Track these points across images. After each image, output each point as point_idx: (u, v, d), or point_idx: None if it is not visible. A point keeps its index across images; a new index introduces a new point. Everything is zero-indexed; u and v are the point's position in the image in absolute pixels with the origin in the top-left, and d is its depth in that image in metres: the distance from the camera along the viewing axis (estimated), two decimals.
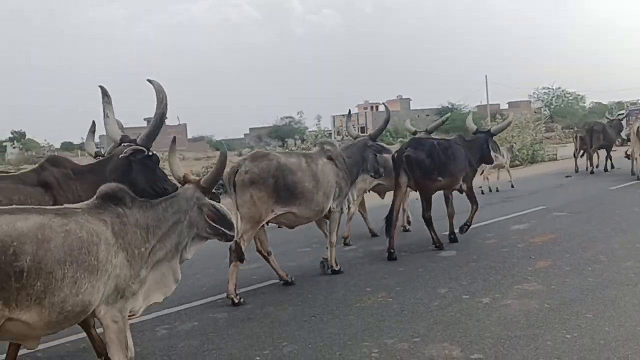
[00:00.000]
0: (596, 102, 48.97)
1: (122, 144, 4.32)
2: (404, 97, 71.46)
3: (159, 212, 3.58)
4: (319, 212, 6.38)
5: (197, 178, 3.92)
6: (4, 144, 56.99)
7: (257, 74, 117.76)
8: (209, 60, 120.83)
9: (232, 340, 4.82)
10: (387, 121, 7.63)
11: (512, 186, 14.14)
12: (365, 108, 66.94)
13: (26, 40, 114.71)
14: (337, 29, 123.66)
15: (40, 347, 4.82)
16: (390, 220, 7.51)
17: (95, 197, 3.42)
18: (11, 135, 58.33)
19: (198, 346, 4.75)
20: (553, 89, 42.84)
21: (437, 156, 7.61)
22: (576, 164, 16.98)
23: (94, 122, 5.99)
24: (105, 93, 4.68)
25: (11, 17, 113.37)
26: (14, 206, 3.19)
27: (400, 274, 6.60)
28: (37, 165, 4.16)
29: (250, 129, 67.54)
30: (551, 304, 5.24)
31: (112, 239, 3.26)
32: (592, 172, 16.42)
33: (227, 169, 5.63)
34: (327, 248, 6.78)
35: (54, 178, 4.00)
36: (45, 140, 57.08)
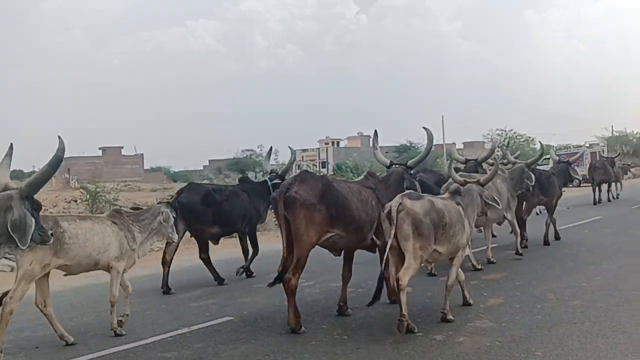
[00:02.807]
0: (546, 144, 50.76)
1: (394, 166, 7.42)
2: (364, 133, 72.43)
3: (466, 200, 6.27)
4: (501, 216, 9.29)
5: (478, 179, 6.75)
6: None
7: (220, 104, 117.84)
8: (170, 89, 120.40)
9: None
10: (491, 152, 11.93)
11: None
12: (327, 143, 67.52)
13: None
14: (300, 64, 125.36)
15: None
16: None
17: (447, 192, 6.44)
18: None
19: None
20: (506, 131, 44.14)
21: (540, 181, 10.52)
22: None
23: (271, 148, 9.87)
24: (376, 134, 7.93)
25: None
26: (428, 195, 6.13)
27: (356, 311, 6.59)
28: (362, 176, 7.12)
29: (210, 161, 67.08)
30: (502, 341, 5.32)
31: (461, 213, 6.07)
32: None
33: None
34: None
35: (373, 184, 6.75)
36: None
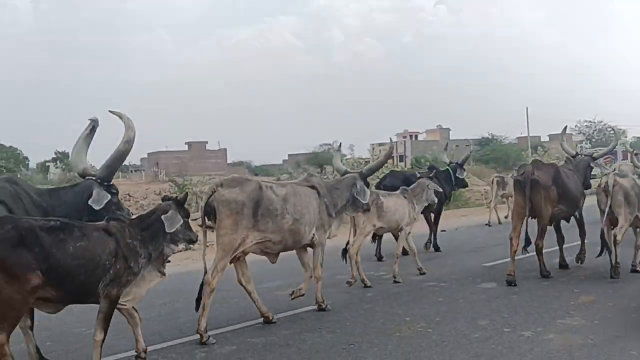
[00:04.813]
0: (638, 137, 47.91)
1: (579, 156, 8.97)
2: (443, 126, 71.13)
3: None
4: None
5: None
6: (47, 163, 58.38)
7: (299, 100, 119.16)
8: (252, 86, 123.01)
9: None
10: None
11: None
12: (405, 137, 66.83)
13: (72, 63, 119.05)
14: (378, 58, 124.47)
15: None
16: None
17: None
18: (55, 156, 59.80)
19: None
20: (594, 122, 41.96)
21: None
22: None
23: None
24: (564, 129, 10.78)
25: (59, 41, 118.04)
26: (631, 174, 8.12)
27: (439, 304, 6.56)
28: (563, 162, 9.04)
29: (289, 155, 67.99)
30: (595, 339, 5.13)
31: None
32: None
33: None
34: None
35: (572, 168, 8.50)
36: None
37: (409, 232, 8.08)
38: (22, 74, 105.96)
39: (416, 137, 69.97)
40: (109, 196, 4.97)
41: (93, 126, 5.22)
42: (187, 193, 5.23)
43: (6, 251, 3.73)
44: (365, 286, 7.57)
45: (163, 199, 4.78)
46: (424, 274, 8.20)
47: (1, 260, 3.70)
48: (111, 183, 5.11)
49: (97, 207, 4.85)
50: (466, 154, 12.00)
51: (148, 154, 65.12)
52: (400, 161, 52.83)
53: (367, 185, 7.01)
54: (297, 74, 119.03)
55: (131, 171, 58.70)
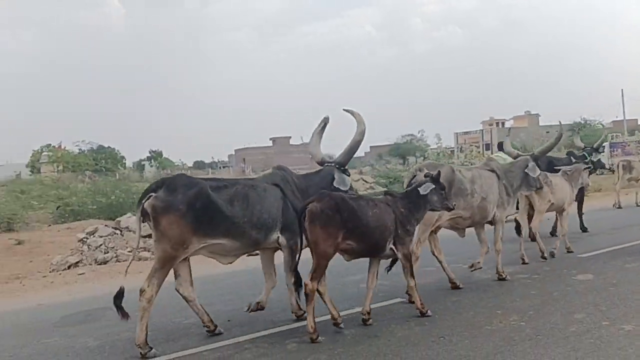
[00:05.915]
0: None
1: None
2: (532, 112, 68.41)
3: None
4: None
5: None
6: (143, 162, 61.35)
7: (380, 92, 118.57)
8: (332, 79, 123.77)
9: (359, 357, 4.88)
10: None
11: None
12: (491, 124, 64.83)
13: (161, 64, 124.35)
14: (460, 45, 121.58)
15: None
16: None
17: None
18: (149, 155, 62.80)
19: None
20: None
21: None
22: None
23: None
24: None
25: (146, 41, 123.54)
26: None
27: (533, 297, 6.36)
28: None
29: (371, 147, 67.78)
30: None
31: None
32: None
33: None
34: None
35: None
36: (179, 160, 60.78)
37: (567, 212, 8.93)
38: (116, 76, 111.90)
39: (503, 124, 67.73)
40: (349, 178, 6.08)
41: (325, 123, 6.32)
42: (439, 171, 5.94)
43: (327, 215, 5.11)
44: (543, 257, 8.34)
45: (425, 176, 5.88)
46: (526, 263, 8.13)
47: (324, 223, 5.09)
48: (346, 168, 6.13)
49: (343, 189, 5.92)
50: (602, 138, 13.12)
51: (235, 150, 67.06)
52: (486, 149, 51.27)
53: (539, 166, 7.65)
54: (378, 65, 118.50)
55: (220, 167, 60.65)
